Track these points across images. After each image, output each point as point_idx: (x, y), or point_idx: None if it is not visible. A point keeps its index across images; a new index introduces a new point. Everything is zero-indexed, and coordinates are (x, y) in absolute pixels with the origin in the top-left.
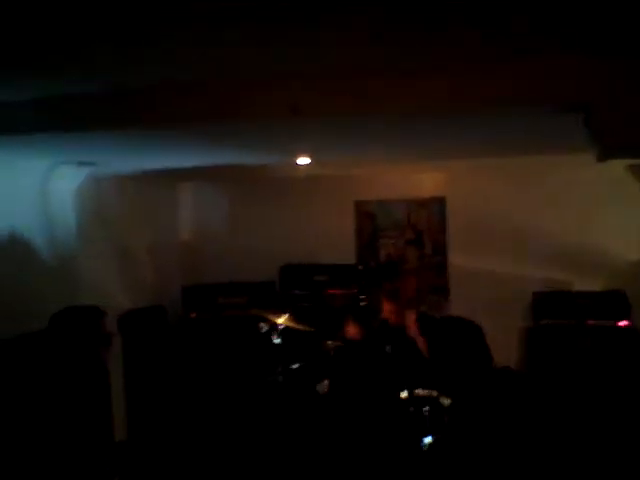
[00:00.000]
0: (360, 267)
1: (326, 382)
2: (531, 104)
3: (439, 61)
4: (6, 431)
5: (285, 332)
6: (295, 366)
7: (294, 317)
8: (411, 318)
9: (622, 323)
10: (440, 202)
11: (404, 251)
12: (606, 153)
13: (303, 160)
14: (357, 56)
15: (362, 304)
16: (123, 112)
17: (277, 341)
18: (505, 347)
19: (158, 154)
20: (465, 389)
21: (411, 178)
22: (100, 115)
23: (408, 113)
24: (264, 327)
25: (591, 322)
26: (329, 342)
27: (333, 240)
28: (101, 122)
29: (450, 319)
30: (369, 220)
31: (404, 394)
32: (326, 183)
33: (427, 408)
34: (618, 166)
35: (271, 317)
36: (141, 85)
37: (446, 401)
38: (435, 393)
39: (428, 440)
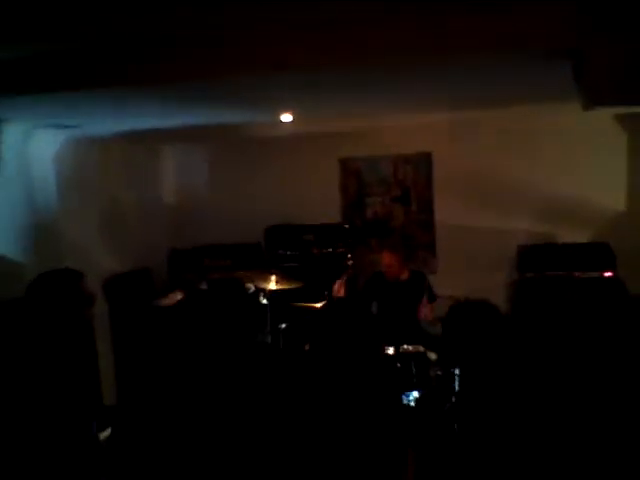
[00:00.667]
0: (346, 226)
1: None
2: (517, 49)
3: (422, 7)
4: None
5: (272, 292)
6: (283, 326)
7: (280, 277)
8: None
9: (607, 274)
10: (426, 157)
11: (391, 209)
12: (593, 101)
13: (286, 117)
14: (338, 8)
15: (349, 263)
16: (102, 71)
17: (264, 301)
18: (492, 301)
19: (139, 115)
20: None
21: (397, 134)
22: (79, 75)
23: (390, 63)
24: (251, 287)
25: (576, 274)
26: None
27: (319, 199)
28: (80, 82)
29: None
30: (354, 178)
31: (390, 350)
32: (310, 141)
33: (413, 363)
34: (605, 116)
35: (257, 280)
36: (120, 42)
37: (433, 356)
38: (422, 348)
39: (414, 395)
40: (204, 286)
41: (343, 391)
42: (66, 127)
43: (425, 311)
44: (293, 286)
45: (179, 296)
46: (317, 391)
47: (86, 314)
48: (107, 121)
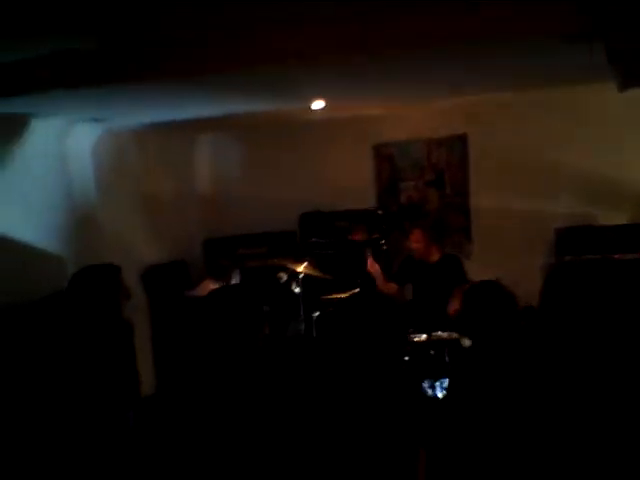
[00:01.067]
0: (380, 212)
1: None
2: (554, 32)
3: None
4: (33, 393)
5: (305, 281)
6: (316, 314)
7: (313, 264)
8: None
9: None
10: (461, 140)
11: (425, 193)
12: (627, 82)
13: (317, 104)
14: None
15: (383, 248)
16: (136, 66)
17: (297, 290)
18: (529, 286)
19: (173, 106)
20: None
21: (430, 117)
22: (114, 70)
23: (420, 47)
24: (284, 277)
25: (616, 256)
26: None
27: (352, 185)
28: (115, 77)
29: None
30: (388, 163)
31: (422, 337)
32: (342, 127)
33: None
34: None
35: (290, 265)
36: (153, 38)
37: (467, 342)
38: (455, 335)
39: (445, 384)
40: (237, 276)
41: (359, 385)
42: (102, 120)
43: (454, 306)
44: (326, 275)
45: (211, 286)
46: (332, 383)
47: (123, 306)
48: (142, 113)
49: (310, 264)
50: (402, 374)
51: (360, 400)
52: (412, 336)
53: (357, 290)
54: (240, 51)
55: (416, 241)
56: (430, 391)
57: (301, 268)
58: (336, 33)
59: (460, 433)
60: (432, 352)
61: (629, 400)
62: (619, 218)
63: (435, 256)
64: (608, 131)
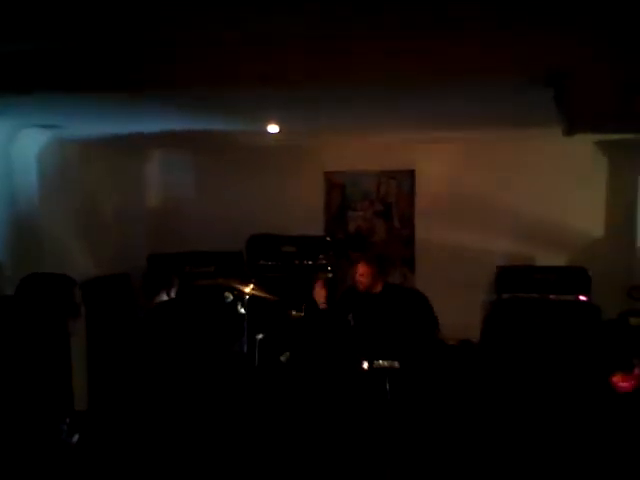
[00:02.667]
0: (328, 239)
1: (287, 353)
2: (499, 75)
3: (408, 29)
4: None
5: (251, 302)
6: (260, 336)
7: (259, 286)
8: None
9: (582, 298)
10: (410, 175)
11: (372, 223)
12: (573, 127)
13: (272, 128)
14: (324, 25)
15: (329, 275)
16: (88, 74)
17: (242, 311)
18: (469, 320)
19: (124, 118)
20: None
21: (381, 150)
22: (64, 76)
23: (374, 81)
24: (229, 297)
25: (552, 296)
26: (294, 312)
27: (302, 211)
28: (65, 84)
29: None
30: (338, 191)
31: (365, 365)
32: (296, 153)
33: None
34: (587, 142)
35: (237, 285)
36: (107, 47)
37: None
38: (397, 364)
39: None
40: (172, 294)
41: (318, 402)
42: (50, 127)
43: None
44: (271, 296)
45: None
46: (290, 402)
47: (69, 322)
48: (91, 123)
49: (257, 286)
50: (352, 399)
51: (310, 423)
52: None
53: (303, 313)
54: (203, 69)
55: (361, 274)
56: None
57: (248, 289)
58: (297, 59)
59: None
60: (373, 381)
61: (559, 426)
62: (557, 260)
63: (378, 287)
64: (551, 175)
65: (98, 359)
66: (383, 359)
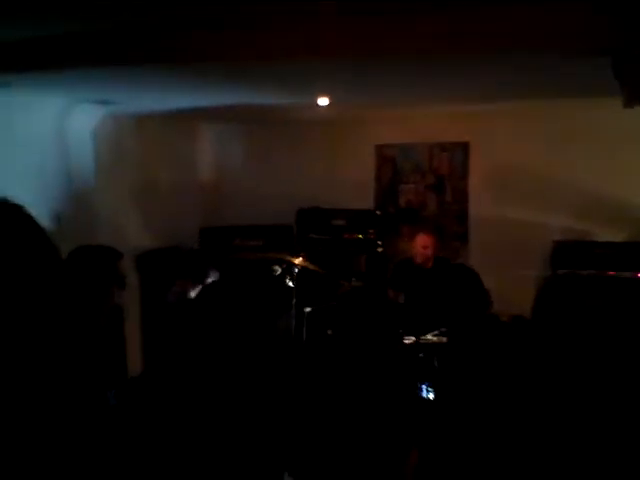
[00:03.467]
0: (378, 212)
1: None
2: (559, 47)
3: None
4: (13, 365)
5: (299, 275)
6: (308, 309)
7: (308, 260)
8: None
9: None
10: (463, 147)
11: (424, 197)
12: (633, 98)
13: (322, 101)
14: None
15: (379, 250)
16: (142, 49)
17: (290, 284)
18: (522, 296)
19: (177, 93)
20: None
21: (434, 122)
22: (119, 51)
23: (426, 52)
24: (278, 270)
25: (609, 273)
26: (345, 283)
27: (352, 185)
28: (119, 59)
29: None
30: (390, 164)
31: (410, 340)
32: (346, 126)
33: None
34: None
35: (286, 258)
36: (160, 22)
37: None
38: (445, 339)
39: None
40: (214, 274)
41: (354, 381)
42: (105, 103)
43: None
44: (319, 268)
45: (189, 288)
46: (328, 379)
47: (115, 294)
48: (144, 98)
49: (306, 259)
50: (395, 375)
51: (352, 399)
52: (404, 338)
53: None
54: (254, 41)
55: (424, 245)
56: (425, 393)
57: (296, 262)
58: (350, 31)
59: (451, 435)
60: (421, 355)
61: (617, 413)
62: (616, 236)
63: (431, 261)
64: (611, 148)
65: (153, 327)
66: (432, 334)
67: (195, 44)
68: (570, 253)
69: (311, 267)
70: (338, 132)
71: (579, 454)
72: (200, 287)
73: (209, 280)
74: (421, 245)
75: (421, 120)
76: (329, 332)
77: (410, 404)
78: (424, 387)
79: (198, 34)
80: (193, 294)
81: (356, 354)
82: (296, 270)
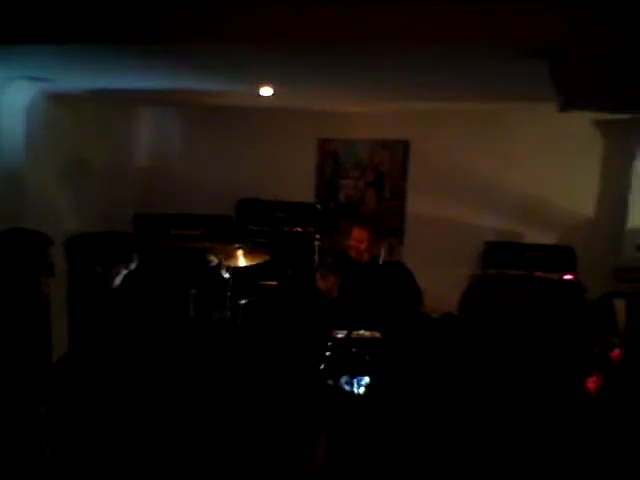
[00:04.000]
0: (318, 206)
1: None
2: (496, 44)
3: None
4: None
5: (235, 267)
6: (243, 301)
7: (246, 252)
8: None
9: (567, 277)
10: (404, 145)
11: (363, 193)
12: (569, 103)
13: (265, 91)
14: None
15: (317, 244)
16: (77, 25)
17: (226, 275)
18: (454, 293)
19: (113, 73)
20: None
21: (377, 119)
22: (53, 27)
23: (368, 46)
24: (214, 260)
25: (537, 274)
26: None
27: (293, 177)
28: (53, 35)
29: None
30: (331, 159)
31: (341, 334)
32: (290, 118)
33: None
34: (584, 120)
35: (222, 251)
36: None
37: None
38: (378, 334)
39: (365, 381)
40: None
41: (273, 373)
42: (39, 80)
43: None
44: (258, 262)
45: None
46: (249, 368)
47: (43, 282)
48: (80, 77)
49: (244, 252)
50: (320, 368)
51: (270, 388)
52: (335, 332)
53: (287, 279)
54: (199, 25)
55: (359, 240)
56: (347, 387)
57: (235, 259)
58: (300, 19)
59: (374, 427)
60: (353, 350)
61: (538, 407)
62: (546, 238)
63: (366, 256)
64: (544, 152)
65: (79, 314)
66: (365, 329)
67: (134, 23)
68: (501, 254)
69: (248, 261)
70: (281, 123)
71: (499, 447)
72: (124, 273)
73: (132, 266)
74: (356, 239)
75: (364, 117)
76: (262, 324)
77: (323, 394)
78: (344, 381)
79: (137, 13)
80: (117, 281)
81: (286, 346)
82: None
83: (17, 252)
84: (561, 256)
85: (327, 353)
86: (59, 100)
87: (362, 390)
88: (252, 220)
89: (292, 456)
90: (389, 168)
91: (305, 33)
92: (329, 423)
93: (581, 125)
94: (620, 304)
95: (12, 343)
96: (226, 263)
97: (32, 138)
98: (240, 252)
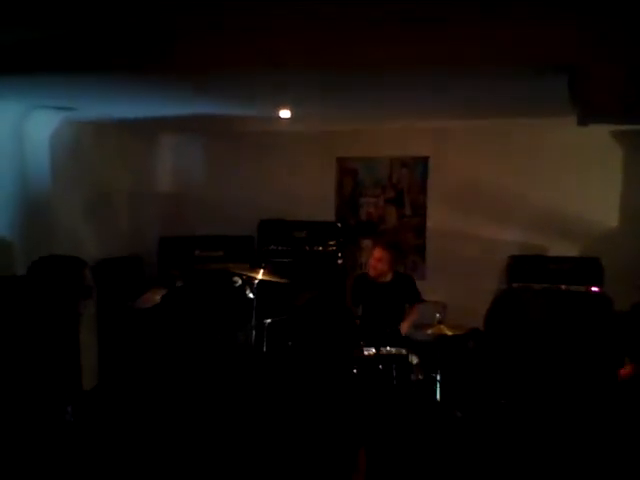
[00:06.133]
0: (339, 225)
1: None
2: (516, 64)
3: (426, 16)
4: None
5: (260, 287)
6: (268, 321)
7: (270, 271)
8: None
9: (594, 289)
10: (423, 162)
11: (384, 210)
12: (587, 117)
13: (284, 113)
14: (340, 10)
15: (339, 262)
16: (100, 56)
17: (251, 295)
18: (479, 309)
19: (136, 102)
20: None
21: (395, 136)
22: (76, 58)
23: (390, 69)
24: (238, 281)
25: (563, 287)
26: (304, 294)
27: (314, 197)
28: (77, 65)
29: None
30: (351, 177)
31: (370, 351)
32: (308, 138)
33: (394, 366)
34: (602, 132)
35: (245, 271)
36: (121, 29)
37: (415, 359)
38: (404, 351)
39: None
40: (180, 283)
41: (304, 392)
42: (63, 109)
43: (404, 326)
44: (280, 279)
45: (157, 297)
46: (278, 388)
47: (80, 303)
48: (103, 106)
49: (266, 271)
50: (349, 385)
51: (305, 406)
52: (361, 350)
53: (313, 297)
54: (208, 53)
55: (379, 260)
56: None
57: (258, 274)
58: (311, 44)
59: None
60: (380, 367)
61: (565, 418)
62: (570, 250)
63: (389, 276)
64: (565, 165)
65: (109, 339)
66: (391, 346)
67: (155, 54)
68: (525, 267)
69: (271, 279)
70: (300, 144)
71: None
72: (166, 291)
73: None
74: (374, 258)
75: (382, 135)
76: (289, 343)
77: (360, 409)
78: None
79: (158, 43)
80: (158, 298)
81: (315, 364)
82: (256, 282)
83: (53, 276)
84: (587, 268)
85: (354, 370)
86: (83, 128)
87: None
88: (274, 240)
89: (333, 471)
90: (409, 185)
91: (318, 59)
92: (369, 437)
93: (600, 137)
94: None
95: (52, 365)
96: (250, 283)
97: (57, 167)
98: (265, 272)
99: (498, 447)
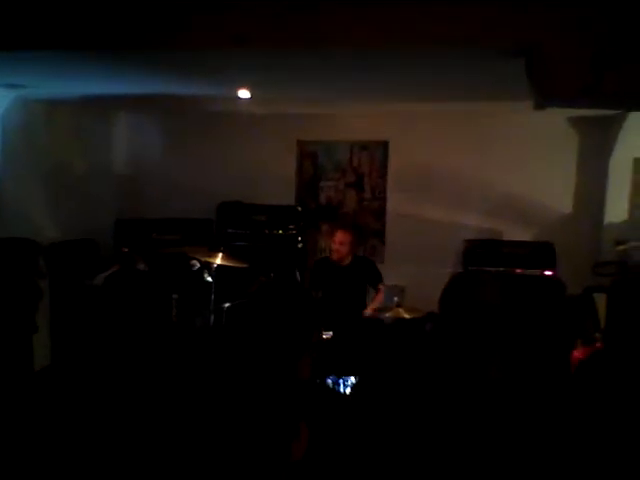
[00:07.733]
0: (299, 208)
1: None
2: (471, 45)
3: None
4: None
5: (218, 270)
6: (227, 305)
7: (228, 255)
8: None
9: (547, 273)
10: (384, 146)
11: (344, 194)
12: (543, 100)
13: (243, 94)
14: None
15: (299, 245)
16: (53, 32)
17: (209, 279)
18: (436, 292)
19: (90, 79)
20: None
21: (356, 120)
22: (29, 34)
23: (345, 48)
24: (196, 265)
25: (517, 270)
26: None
27: (274, 180)
28: (29, 41)
29: None
30: (311, 161)
31: (329, 335)
32: (269, 121)
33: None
34: (559, 118)
35: (203, 255)
36: (73, 4)
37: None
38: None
39: (351, 380)
40: (141, 264)
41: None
42: (14, 87)
43: (370, 309)
44: (239, 263)
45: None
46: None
47: (34, 285)
48: (56, 83)
49: (225, 254)
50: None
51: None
52: (321, 333)
53: (265, 282)
54: (166, 29)
55: (341, 243)
56: (334, 387)
57: (217, 258)
58: (276, 21)
59: (359, 424)
60: (340, 350)
61: (517, 400)
62: (525, 235)
63: (348, 259)
64: (521, 150)
65: (62, 320)
66: (351, 329)
67: (108, 30)
68: (480, 251)
69: (230, 264)
70: (260, 126)
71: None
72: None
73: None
74: (338, 242)
75: (343, 118)
76: (246, 327)
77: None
78: (331, 381)
79: (113, 18)
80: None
81: (270, 349)
82: (215, 265)
83: (8, 259)
84: (541, 252)
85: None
86: (35, 106)
87: (349, 390)
88: (233, 223)
89: (271, 443)
90: (369, 169)
91: (282, 37)
92: (311, 416)
93: (557, 122)
94: (600, 298)
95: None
96: (208, 267)
97: (8, 146)
98: (222, 255)
99: (452, 431)
